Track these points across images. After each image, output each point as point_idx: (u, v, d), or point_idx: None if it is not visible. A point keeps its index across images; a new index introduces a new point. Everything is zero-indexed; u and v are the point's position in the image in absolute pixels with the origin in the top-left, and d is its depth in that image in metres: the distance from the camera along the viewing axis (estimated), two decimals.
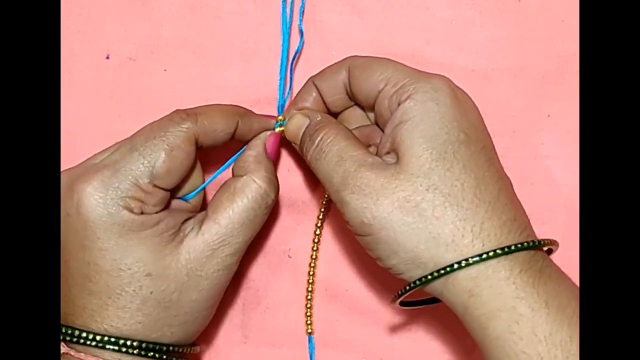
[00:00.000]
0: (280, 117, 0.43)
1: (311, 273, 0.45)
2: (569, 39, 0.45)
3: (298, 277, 0.45)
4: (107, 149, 0.40)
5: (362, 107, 0.42)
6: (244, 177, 0.40)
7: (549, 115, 0.45)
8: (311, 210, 0.46)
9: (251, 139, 0.42)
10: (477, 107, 0.39)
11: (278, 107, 0.44)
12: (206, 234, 0.39)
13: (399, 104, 0.38)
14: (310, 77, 0.42)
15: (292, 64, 0.44)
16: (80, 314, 0.38)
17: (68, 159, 0.46)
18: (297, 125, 0.41)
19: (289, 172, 0.45)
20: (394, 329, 0.45)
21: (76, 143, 0.46)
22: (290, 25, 0.45)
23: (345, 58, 0.41)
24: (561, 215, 0.45)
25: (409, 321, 0.45)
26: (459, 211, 0.36)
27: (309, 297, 0.45)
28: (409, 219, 0.36)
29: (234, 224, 0.39)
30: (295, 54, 0.45)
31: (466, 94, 0.39)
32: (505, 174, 0.38)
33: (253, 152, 0.41)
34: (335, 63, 0.41)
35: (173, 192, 0.40)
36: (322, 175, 0.39)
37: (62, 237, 0.39)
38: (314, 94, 0.42)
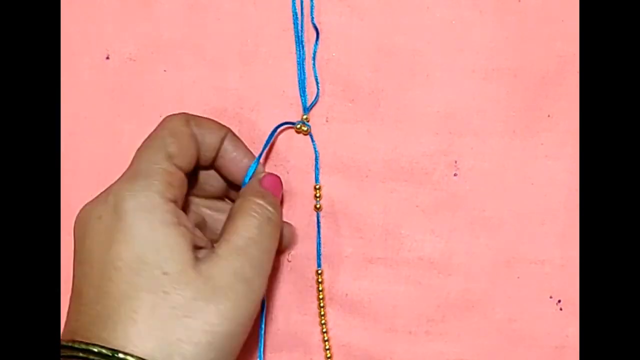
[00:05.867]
0: (305, 117, 0.44)
1: (319, 280, 0.45)
2: (569, 39, 0.45)
3: (298, 281, 0.45)
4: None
5: None
6: (238, 199, 0.41)
7: (549, 115, 0.45)
8: (310, 213, 0.46)
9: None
10: None
11: (303, 106, 0.44)
12: (218, 249, 0.38)
13: None
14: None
15: (313, 61, 0.45)
16: (90, 322, 0.36)
17: (68, 159, 0.46)
18: None
19: (289, 174, 0.45)
20: (394, 332, 0.45)
21: (76, 143, 0.46)
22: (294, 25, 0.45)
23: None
24: (561, 215, 0.45)
25: (409, 325, 0.45)
26: None
27: (321, 305, 0.45)
28: None
29: (242, 237, 0.38)
30: (314, 53, 0.45)
31: None
32: None
33: (248, 184, 0.42)
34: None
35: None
36: None
37: (88, 245, 0.37)
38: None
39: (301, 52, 0.45)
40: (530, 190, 0.45)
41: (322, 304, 0.45)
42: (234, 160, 0.42)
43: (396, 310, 0.45)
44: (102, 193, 0.38)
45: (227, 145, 0.42)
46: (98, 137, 0.46)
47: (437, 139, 0.45)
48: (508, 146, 0.45)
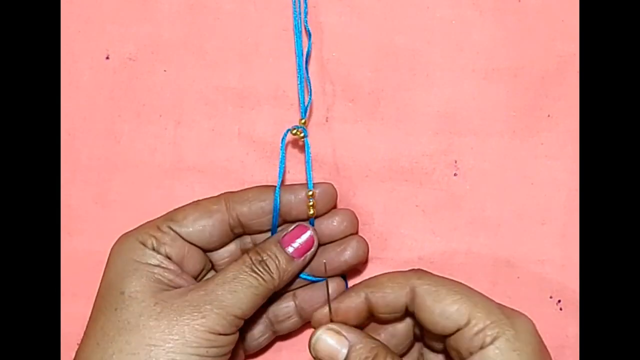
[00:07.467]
0: (303, 121, 0.44)
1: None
2: (569, 39, 0.45)
3: None
4: None
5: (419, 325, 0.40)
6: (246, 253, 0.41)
7: (549, 115, 0.45)
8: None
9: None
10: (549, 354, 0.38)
11: (301, 110, 0.44)
12: (193, 286, 0.39)
13: (480, 347, 0.37)
14: (363, 287, 0.40)
15: (306, 64, 0.44)
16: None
17: (68, 159, 0.46)
18: (329, 353, 0.38)
19: (289, 174, 0.45)
20: None
21: (76, 143, 0.46)
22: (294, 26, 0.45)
23: (407, 273, 0.39)
24: (561, 215, 0.45)
25: None
26: None
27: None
28: None
29: (216, 284, 0.39)
30: (307, 54, 0.45)
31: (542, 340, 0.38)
32: None
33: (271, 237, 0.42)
34: (395, 275, 0.40)
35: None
36: None
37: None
38: (362, 306, 0.40)
39: (301, 55, 0.44)
40: (530, 190, 0.45)
41: None
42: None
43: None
44: None
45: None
46: (98, 137, 0.46)
47: (437, 138, 0.45)
48: (508, 146, 0.45)
